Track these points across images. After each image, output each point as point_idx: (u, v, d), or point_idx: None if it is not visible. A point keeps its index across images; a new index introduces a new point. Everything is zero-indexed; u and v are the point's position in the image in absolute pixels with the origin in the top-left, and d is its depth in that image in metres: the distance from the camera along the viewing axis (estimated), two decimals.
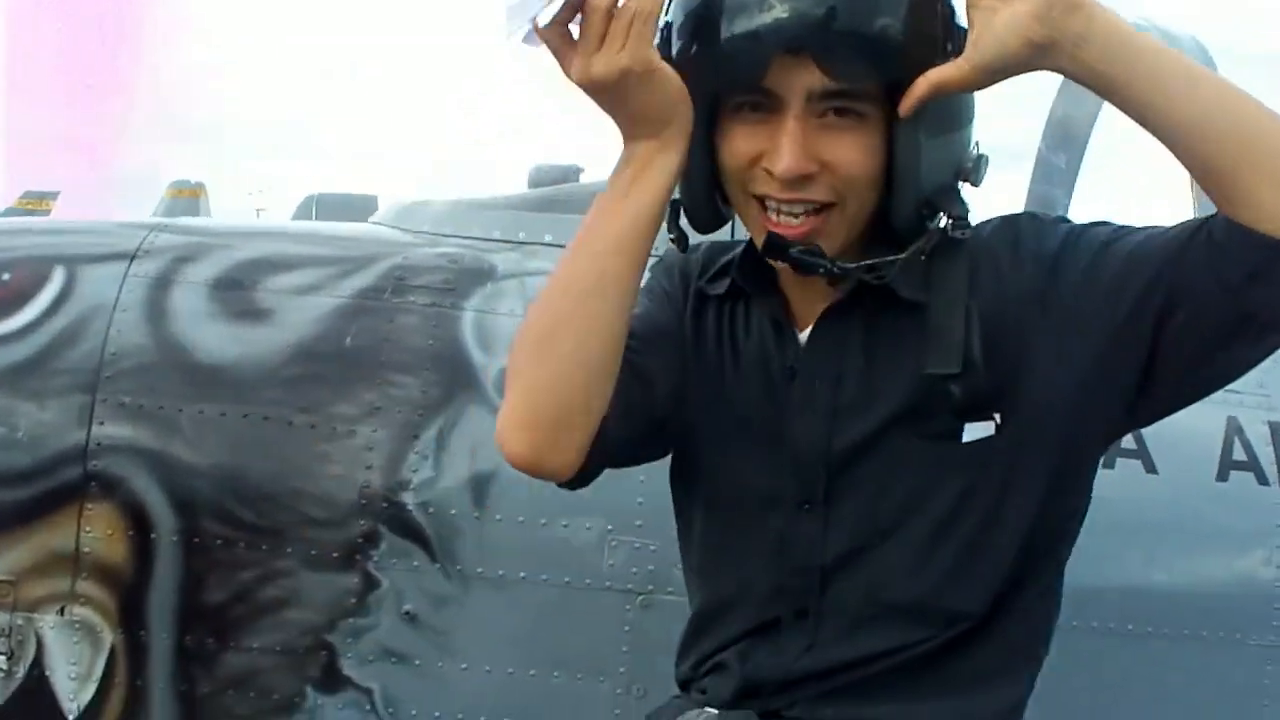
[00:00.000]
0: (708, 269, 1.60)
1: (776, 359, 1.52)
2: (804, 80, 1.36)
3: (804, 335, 1.52)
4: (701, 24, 1.42)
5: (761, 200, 1.42)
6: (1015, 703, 1.51)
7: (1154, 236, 1.40)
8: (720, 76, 1.42)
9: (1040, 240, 1.45)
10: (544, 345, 1.41)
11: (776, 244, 1.42)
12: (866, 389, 1.48)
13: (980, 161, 1.48)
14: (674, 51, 1.44)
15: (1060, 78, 1.45)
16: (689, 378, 1.56)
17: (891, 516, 1.47)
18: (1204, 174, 1.32)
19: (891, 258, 1.44)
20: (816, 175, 1.39)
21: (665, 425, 1.56)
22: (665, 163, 1.38)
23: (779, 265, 1.45)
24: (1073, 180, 3.09)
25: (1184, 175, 2.53)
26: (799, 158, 1.37)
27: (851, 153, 1.39)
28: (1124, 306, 1.38)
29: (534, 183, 2.77)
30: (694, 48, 1.43)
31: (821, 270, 1.41)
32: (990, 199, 1.63)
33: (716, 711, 1.52)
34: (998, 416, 1.44)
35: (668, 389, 1.54)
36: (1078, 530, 1.53)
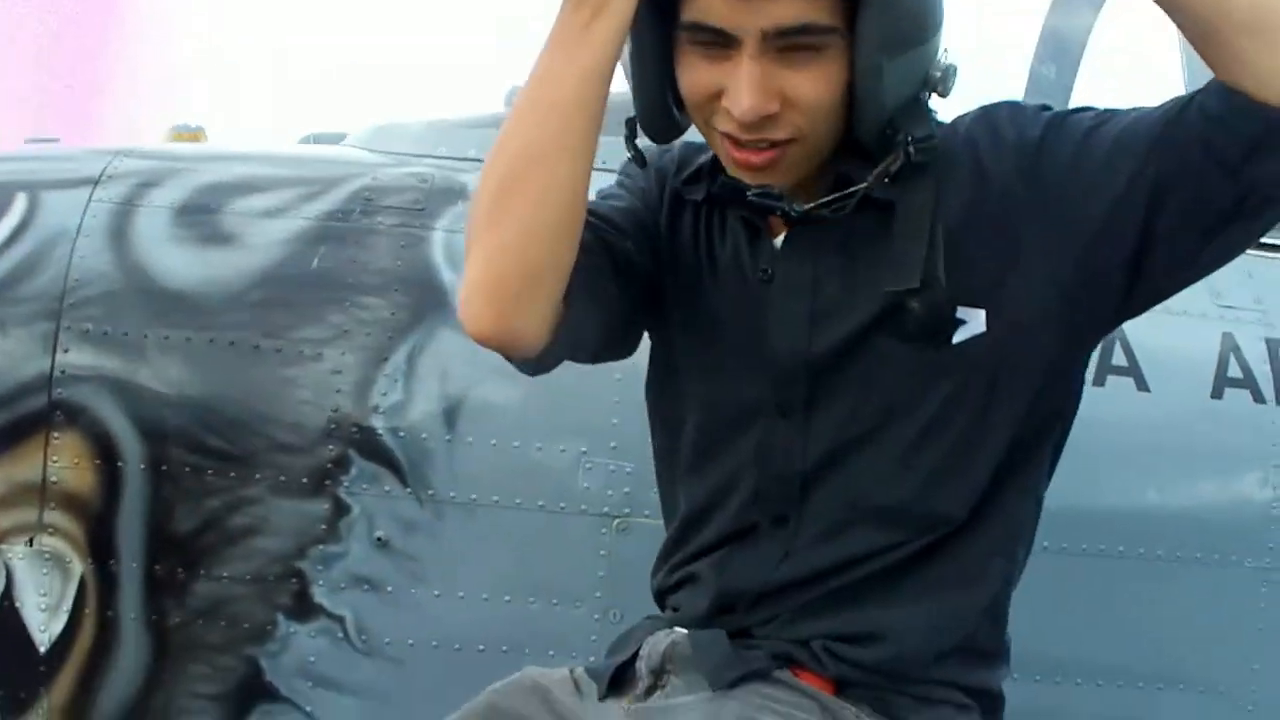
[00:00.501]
0: (683, 169, 1.56)
1: (751, 264, 1.48)
2: (755, 18, 1.30)
3: (779, 240, 1.48)
4: None
5: (725, 136, 1.38)
6: (992, 600, 1.48)
7: (1141, 119, 1.34)
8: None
9: (1021, 129, 1.40)
10: (503, 209, 1.33)
11: (732, 189, 1.41)
12: (845, 291, 1.44)
13: (949, 71, 1.40)
14: None
15: None
16: (664, 278, 1.53)
17: (874, 421, 1.44)
18: (1203, 37, 1.26)
19: (849, 190, 1.40)
20: (779, 114, 1.34)
21: (634, 317, 1.54)
22: (566, 46, 1.32)
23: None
24: (1067, 96, 3.02)
25: (1178, 87, 2.48)
26: (759, 99, 1.32)
27: (814, 86, 1.33)
28: (1110, 195, 1.33)
29: (511, 102, 2.71)
30: None
31: (779, 213, 1.39)
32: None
33: (686, 632, 1.48)
34: (984, 315, 1.40)
35: (641, 280, 1.51)
36: (1063, 431, 1.50)
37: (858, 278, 1.43)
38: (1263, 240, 2.49)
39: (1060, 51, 2.89)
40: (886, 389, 1.43)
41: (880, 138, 1.38)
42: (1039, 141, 1.38)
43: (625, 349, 1.59)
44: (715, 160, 1.49)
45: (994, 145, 1.41)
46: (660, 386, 1.58)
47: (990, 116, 1.43)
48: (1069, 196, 1.36)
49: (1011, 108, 1.44)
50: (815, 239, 1.45)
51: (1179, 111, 1.31)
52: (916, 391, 1.43)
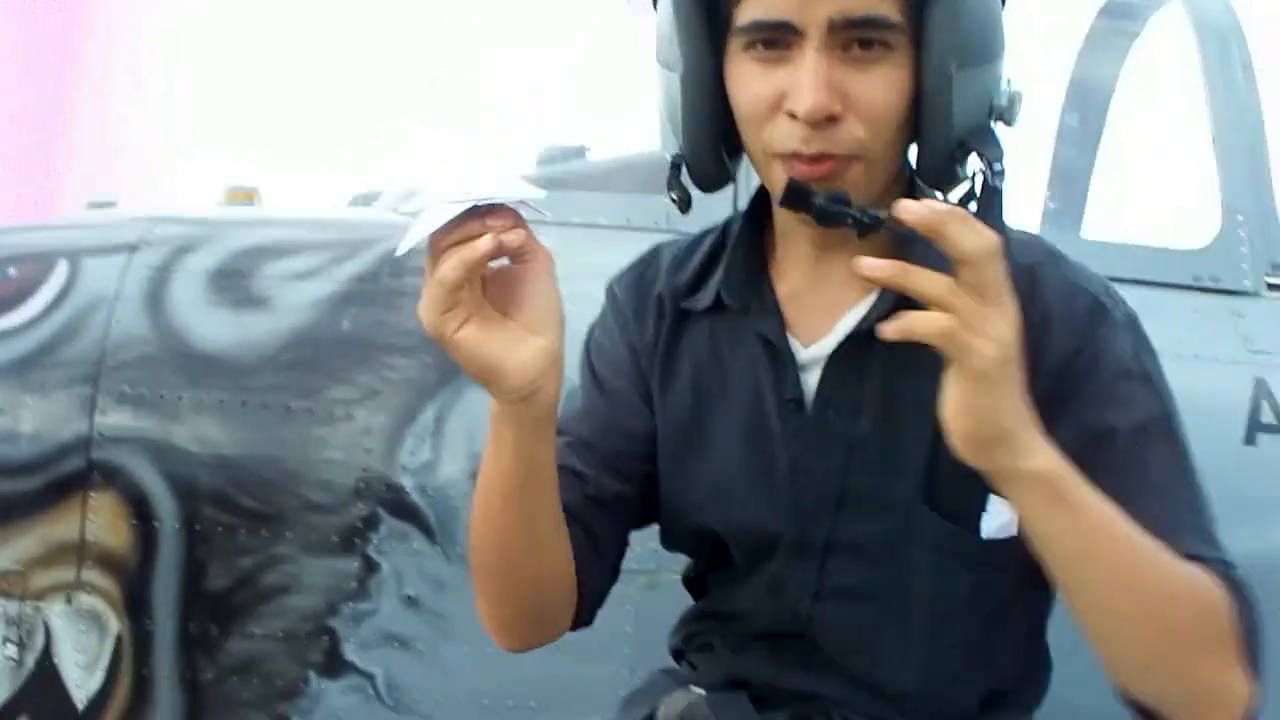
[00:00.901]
0: (678, 273, 1.48)
1: (772, 387, 1.40)
2: (823, 6, 1.23)
3: (806, 353, 1.39)
4: None
5: (785, 158, 1.28)
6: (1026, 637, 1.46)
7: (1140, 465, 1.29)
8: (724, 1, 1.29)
9: (1099, 347, 1.32)
10: (492, 566, 1.37)
11: (798, 192, 1.25)
12: (886, 430, 1.36)
13: (1015, 98, 1.34)
14: None
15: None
16: (669, 408, 1.46)
17: (890, 590, 1.38)
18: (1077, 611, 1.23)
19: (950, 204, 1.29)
20: (842, 117, 1.25)
21: (647, 501, 1.48)
22: (500, 433, 1.26)
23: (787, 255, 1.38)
24: (1095, 144, 3.03)
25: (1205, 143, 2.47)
26: (823, 95, 1.23)
27: (880, 89, 1.26)
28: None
29: (542, 162, 2.75)
30: None
31: (850, 220, 1.23)
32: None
33: (704, 693, 1.47)
34: (1013, 514, 1.30)
35: (637, 487, 1.46)
36: None
37: (900, 415, 1.35)
38: None
39: (1086, 101, 2.90)
40: (908, 561, 1.37)
41: (948, 164, 1.31)
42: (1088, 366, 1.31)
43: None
44: (727, 267, 1.42)
45: (1066, 321, 1.32)
46: (667, 499, 1.49)
47: (1084, 306, 1.34)
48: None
49: (1103, 307, 1.34)
50: (857, 364, 1.36)
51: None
52: (937, 573, 1.37)
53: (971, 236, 1.08)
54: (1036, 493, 1.16)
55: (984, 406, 1.12)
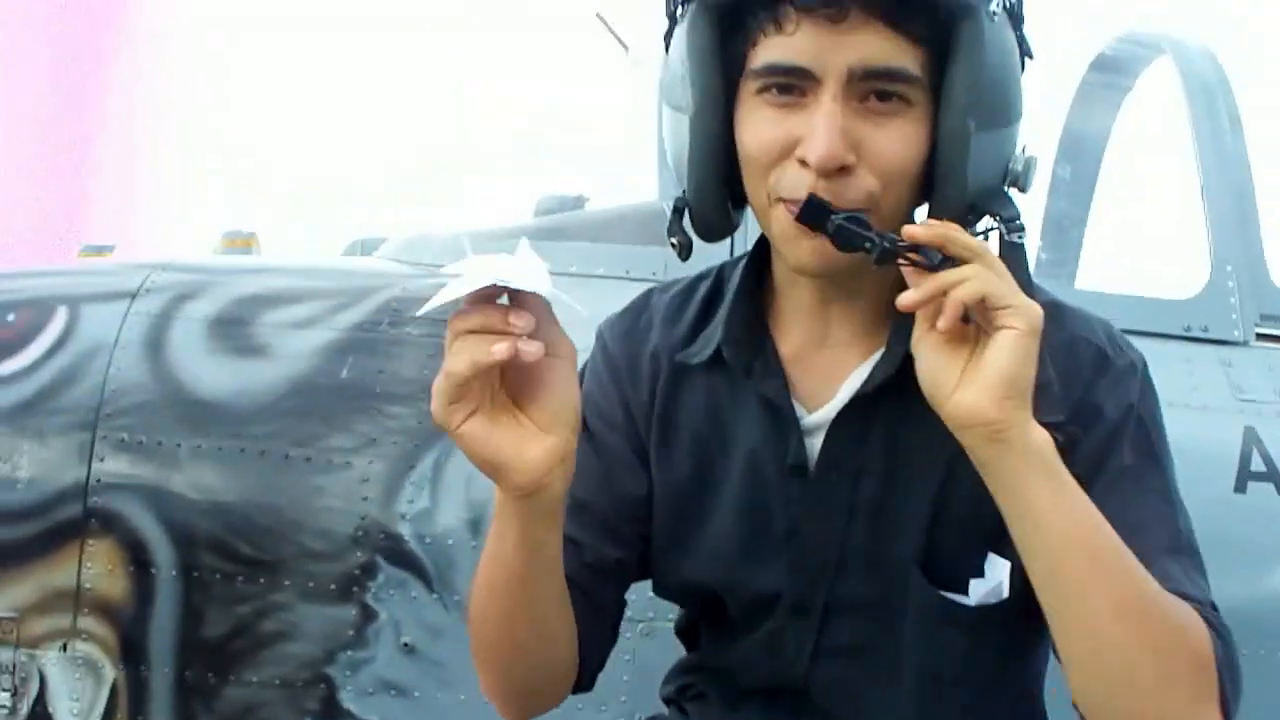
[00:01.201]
0: (673, 326, 1.46)
1: (774, 449, 1.38)
2: (843, 54, 1.21)
3: (810, 418, 1.37)
4: None
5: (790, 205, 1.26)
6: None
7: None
8: (739, 44, 1.28)
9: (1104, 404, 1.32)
10: (494, 645, 1.36)
11: (817, 207, 1.22)
12: (888, 493, 1.35)
13: (1030, 164, 1.32)
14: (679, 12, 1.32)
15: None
16: (667, 465, 1.44)
17: (887, 651, 1.38)
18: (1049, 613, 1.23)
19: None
20: (854, 169, 1.23)
21: (644, 560, 1.47)
22: (504, 522, 1.25)
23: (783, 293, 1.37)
24: (1089, 197, 3.06)
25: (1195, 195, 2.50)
26: (838, 144, 1.21)
27: (895, 142, 1.24)
28: None
29: (540, 212, 2.77)
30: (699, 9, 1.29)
31: (868, 245, 1.20)
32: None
33: None
34: (1006, 575, 1.32)
35: (634, 549, 1.45)
36: None
37: (903, 478, 1.35)
38: None
39: (1078, 153, 2.93)
40: (901, 626, 1.36)
41: (960, 225, 1.25)
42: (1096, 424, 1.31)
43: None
44: (726, 324, 1.39)
45: (1068, 376, 1.32)
46: (663, 554, 1.47)
47: (1088, 358, 1.34)
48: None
49: (1105, 358, 1.35)
50: (861, 428, 1.35)
51: None
52: (931, 639, 1.36)
53: (973, 240, 1.16)
54: (1034, 463, 1.17)
55: (1023, 355, 1.16)
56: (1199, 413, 2.40)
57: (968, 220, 1.28)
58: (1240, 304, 2.50)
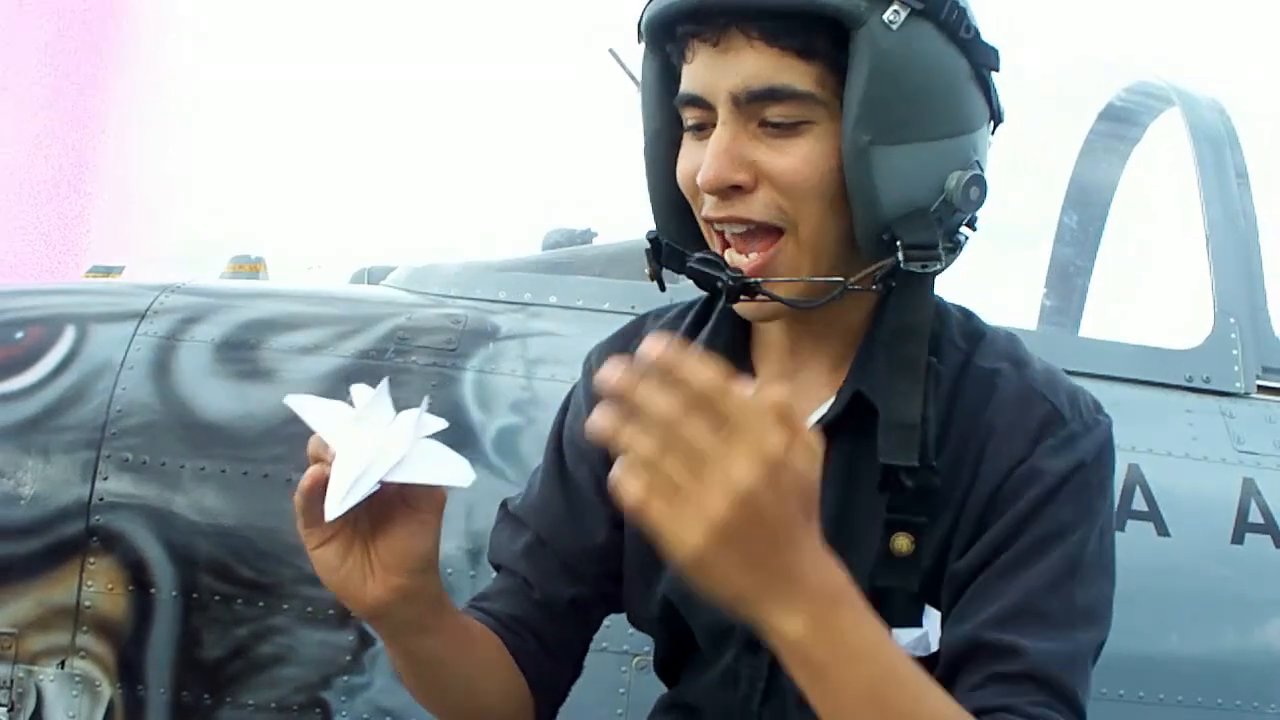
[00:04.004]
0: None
1: None
2: (727, 78, 1.21)
3: None
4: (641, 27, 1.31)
5: (717, 231, 1.27)
6: None
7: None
8: (656, 83, 1.30)
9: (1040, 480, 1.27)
10: (420, 700, 1.39)
11: (670, 252, 1.28)
12: (839, 529, 1.27)
13: (970, 181, 1.25)
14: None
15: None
16: (635, 525, 1.40)
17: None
18: None
19: (834, 279, 1.25)
20: (753, 188, 1.22)
21: (608, 596, 1.48)
22: (375, 628, 1.30)
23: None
24: (1096, 245, 3.08)
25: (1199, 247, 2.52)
26: (723, 165, 1.21)
27: (793, 160, 1.22)
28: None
29: (548, 245, 2.80)
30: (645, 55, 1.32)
31: (719, 284, 1.23)
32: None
33: None
34: (936, 627, 1.29)
35: (594, 587, 1.46)
36: None
37: (855, 512, 1.31)
38: None
39: (1085, 202, 2.95)
40: None
41: (877, 244, 1.24)
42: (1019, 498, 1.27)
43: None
44: (690, 337, 1.39)
45: (1011, 431, 1.28)
46: (633, 582, 1.46)
47: (1028, 417, 1.29)
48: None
49: (1059, 418, 1.30)
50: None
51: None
52: None
53: (701, 370, 0.98)
54: (787, 656, 1.07)
55: (713, 570, 1.01)
56: (1198, 463, 2.41)
57: (882, 242, 1.24)
58: (1242, 355, 2.51)
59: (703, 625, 1.41)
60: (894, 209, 1.23)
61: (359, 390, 1.15)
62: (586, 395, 1.48)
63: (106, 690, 2.17)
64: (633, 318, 1.53)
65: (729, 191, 1.23)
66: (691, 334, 1.44)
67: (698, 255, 1.24)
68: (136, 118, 7.59)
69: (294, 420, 2.24)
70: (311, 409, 1.14)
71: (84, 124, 7.47)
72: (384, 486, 1.15)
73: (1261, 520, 2.40)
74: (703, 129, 1.26)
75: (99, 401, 2.23)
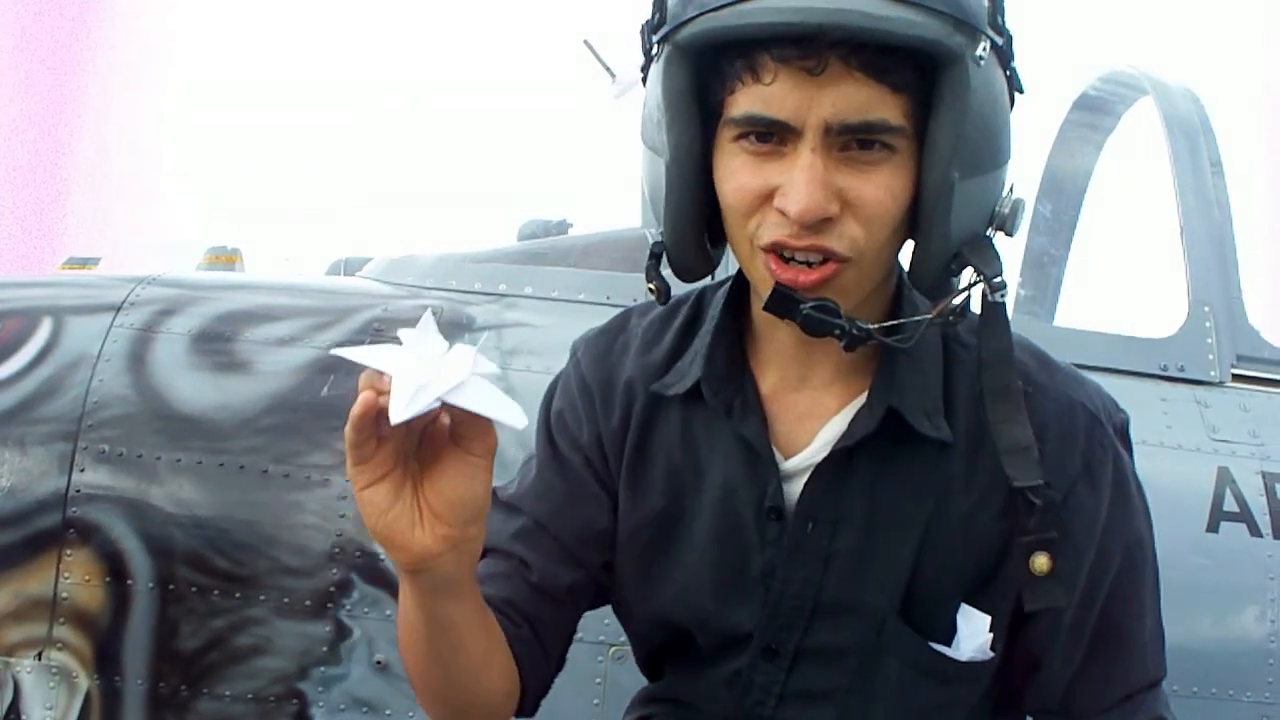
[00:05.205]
0: (648, 353, 1.43)
1: (749, 489, 1.36)
2: (821, 107, 1.18)
3: (788, 464, 1.35)
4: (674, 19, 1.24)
5: (772, 250, 1.23)
6: None
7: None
8: (716, 89, 1.24)
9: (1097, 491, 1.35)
10: (417, 684, 1.37)
11: (786, 298, 1.22)
12: (866, 543, 1.34)
13: (1017, 207, 1.28)
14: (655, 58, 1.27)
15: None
16: (633, 522, 1.42)
17: (857, 697, 1.36)
18: None
19: (921, 317, 1.27)
20: (838, 218, 1.20)
21: (600, 586, 1.47)
22: (403, 587, 1.27)
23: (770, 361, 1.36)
24: (1070, 234, 3.09)
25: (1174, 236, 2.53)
26: (818, 197, 1.18)
27: (879, 191, 1.20)
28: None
29: (523, 236, 2.80)
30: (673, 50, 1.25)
31: (837, 331, 1.22)
32: None
33: None
34: (990, 630, 1.34)
35: (591, 575, 1.44)
36: None
37: (883, 527, 1.34)
38: (1258, 375, 2.54)
39: (1059, 192, 2.95)
40: (878, 671, 1.36)
41: (942, 273, 1.26)
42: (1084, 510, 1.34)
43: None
44: (707, 362, 1.37)
45: (1063, 441, 1.34)
46: (631, 584, 1.45)
47: (1090, 440, 1.36)
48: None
49: (1099, 423, 1.37)
50: (842, 476, 1.33)
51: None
52: (906, 694, 1.36)
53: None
54: None
55: None
56: (1173, 452, 2.42)
57: (949, 270, 1.26)
58: (1217, 344, 2.52)
59: (713, 631, 1.40)
60: (960, 239, 1.24)
61: (406, 332, 1.13)
62: (579, 386, 1.47)
63: (84, 681, 2.17)
64: (607, 308, 1.53)
65: (816, 224, 1.20)
66: (683, 338, 1.43)
67: (813, 303, 1.22)
68: (113, 104, 7.56)
69: (269, 411, 2.27)
70: (360, 352, 1.12)
71: (59, 109, 7.43)
72: (442, 409, 1.11)
73: (1236, 509, 2.41)
74: (766, 145, 1.22)
75: (76, 394, 2.23)
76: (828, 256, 1.22)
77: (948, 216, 1.22)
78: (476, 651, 1.31)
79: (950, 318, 1.27)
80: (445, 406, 1.11)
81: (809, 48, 1.17)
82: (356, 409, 1.10)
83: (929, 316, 1.27)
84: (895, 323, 1.27)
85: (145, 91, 7.56)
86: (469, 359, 1.11)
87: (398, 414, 1.08)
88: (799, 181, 1.18)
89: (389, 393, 1.08)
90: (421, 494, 1.16)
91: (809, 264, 1.22)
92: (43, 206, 7.25)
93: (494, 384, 1.12)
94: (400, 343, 1.12)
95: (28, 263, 6.76)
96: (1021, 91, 1.31)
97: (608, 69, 2.54)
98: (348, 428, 1.11)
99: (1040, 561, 1.28)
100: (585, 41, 2.43)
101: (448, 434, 1.14)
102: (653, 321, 1.47)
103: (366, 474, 1.14)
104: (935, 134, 1.20)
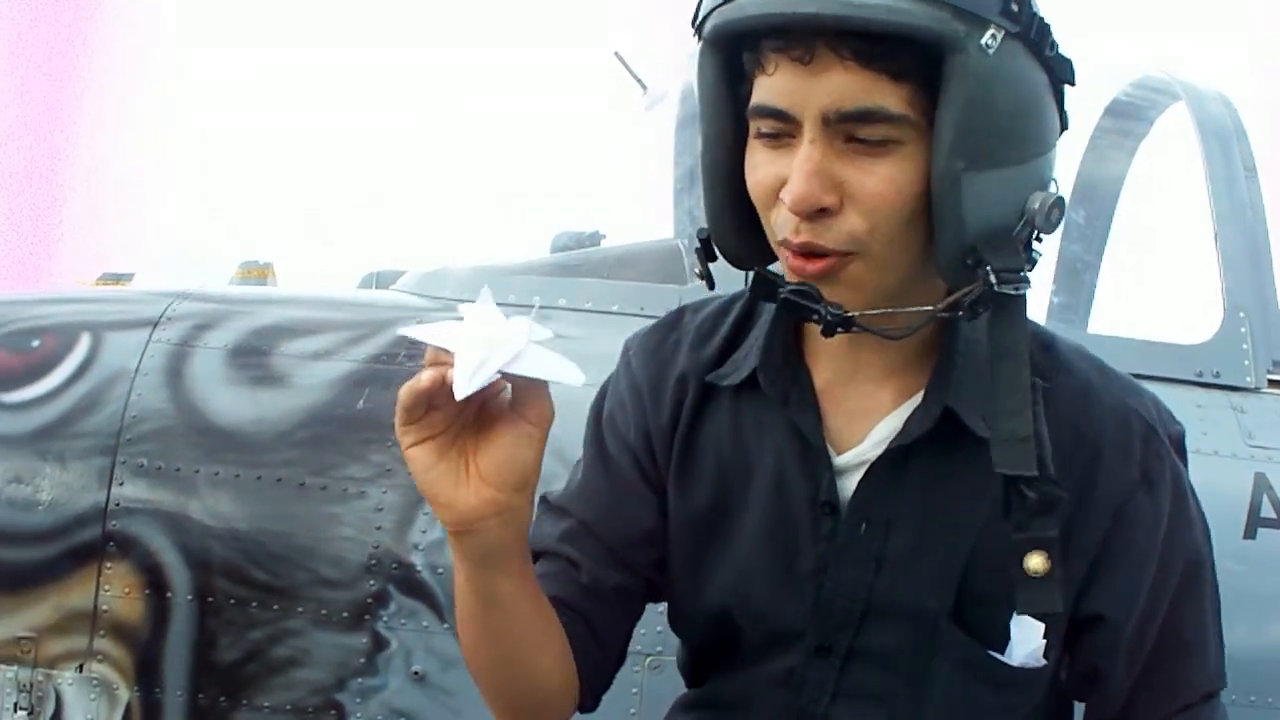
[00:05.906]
0: (702, 347, 1.43)
1: (803, 484, 1.35)
2: (816, 96, 1.18)
3: (841, 459, 1.35)
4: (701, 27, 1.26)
5: (783, 244, 1.24)
6: None
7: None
8: (746, 83, 1.25)
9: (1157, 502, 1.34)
10: (477, 671, 1.37)
11: (766, 282, 1.24)
12: (919, 545, 1.33)
13: (1054, 203, 1.23)
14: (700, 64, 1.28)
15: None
16: (682, 517, 1.42)
17: (909, 698, 1.35)
18: None
19: (920, 309, 1.24)
20: (839, 210, 1.20)
21: (652, 585, 1.46)
22: (454, 557, 1.26)
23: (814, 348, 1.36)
24: (1103, 241, 3.08)
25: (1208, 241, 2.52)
26: (813, 185, 1.18)
27: (881, 184, 1.19)
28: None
29: (557, 248, 2.80)
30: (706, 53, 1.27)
31: (814, 317, 1.21)
32: None
33: None
34: (1043, 635, 1.32)
35: (640, 576, 1.44)
36: None
37: (936, 528, 1.33)
38: None
39: (1092, 198, 2.95)
40: (931, 674, 1.35)
41: (959, 267, 1.22)
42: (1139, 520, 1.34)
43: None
44: (764, 352, 1.36)
45: (1120, 450, 1.33)
46: (681, 578, 1.44)
47: (1146, 445, 1.35)
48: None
49: (1154, 433, 1.36)
50: (896, 475, 1.33)
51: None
52: (960, 690, 1.35)
53: None
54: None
55: None
56: (1209, 458, 2.41)
57: (967, 265, 1.22)
58: (1253, 350, 2.51)
59: (764, 627, 1.39)
60: (978, 233, 1.20)
61: (467, 308, 1.16)
62: (629, 385, 1.47)
63: (124, 693, 2.19)
64: (640, 319, 1.53)
65: (815, 214, 1.20)
66: (737, 332, 1.43)
67: (791, 287, 1.22)
68: (109, 111, 7.57)
69: (306, 425, 2.28)
70: (424, 331, 1.16)
71: (55, 115, 7.46)
72: (502, 379, 1.14)
73: (1274, 515, 2.40)
74: (778, 138, 1.22)
75: (114, 408, 2.25)
76: (829, 253, 1.22)
77: (959, 208, 1.19)
78: (528, 635, 1.31)
79: (959, 312, 1.24)
80: (505, 377, 1.14)
81: (794, 38, 1.18)
82: (423, 384, 1.13)
83: (930, 309, 1.25)
84: (884, 311, 1.24)
85: (142, 98, 7.57)
86: (525, 329, 1.15)
87: (461, 389, 1.11)
88: (795, 171, 1.19)
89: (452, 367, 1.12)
90: (472, 456, 1.18)
91: (812, 254, 1.23)
92: (39, 213, 7.28)
93: (549, 348, 1.15)
94: (461, 319, 1.16)
95: (24, 270, 6.81)
96: (1071, 83, 1.28)
97: (638, 80, 2.54)
98: (403, 391, 1.14)
99: (1035, 562, 1.22)
100: (616, 53, 2.44)
101: (507, 404, 1.17)
102: (706, 317, 1.46)
103: (413, 434, 1.17)
104: (939, 123, 1.18)
